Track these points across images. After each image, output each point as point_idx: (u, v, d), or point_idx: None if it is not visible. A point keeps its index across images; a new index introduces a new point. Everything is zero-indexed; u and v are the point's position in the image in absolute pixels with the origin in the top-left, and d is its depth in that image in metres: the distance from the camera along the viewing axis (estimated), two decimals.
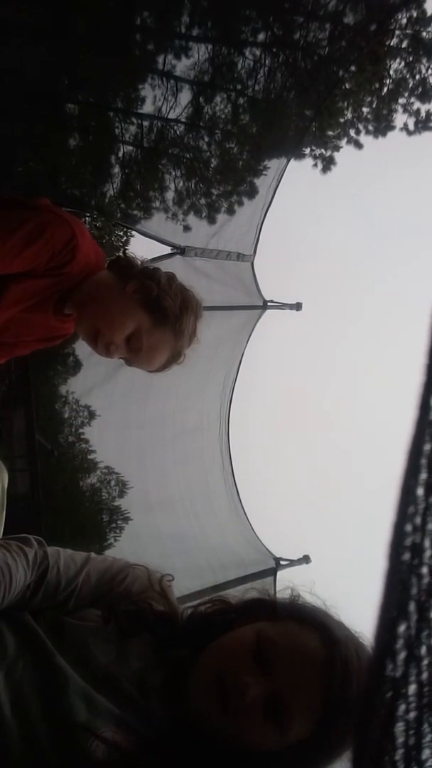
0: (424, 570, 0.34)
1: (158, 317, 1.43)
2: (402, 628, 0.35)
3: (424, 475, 0.34)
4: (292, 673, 0.83)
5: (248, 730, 0.83)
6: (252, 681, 0.83)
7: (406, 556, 0.34)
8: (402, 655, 0.35)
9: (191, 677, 0.89)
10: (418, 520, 0.34)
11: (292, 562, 4.83)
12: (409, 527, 0.34)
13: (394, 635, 0.35)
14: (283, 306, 5.11)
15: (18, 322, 1.49)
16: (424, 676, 0.35)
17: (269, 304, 5.07)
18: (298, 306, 5.12)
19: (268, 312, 5.09)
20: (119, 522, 7.10)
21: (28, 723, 0.81)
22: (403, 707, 0.35)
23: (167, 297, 1.44)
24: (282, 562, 4.86)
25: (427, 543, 0.34)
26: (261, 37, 4.09)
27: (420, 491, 0.34)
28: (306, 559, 4.81)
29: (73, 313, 1.52)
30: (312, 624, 0.89)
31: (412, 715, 0.35)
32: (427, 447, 0.34)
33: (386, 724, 0.35)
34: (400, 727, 0.35)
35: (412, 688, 0.35)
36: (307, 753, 0.84)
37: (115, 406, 5.25)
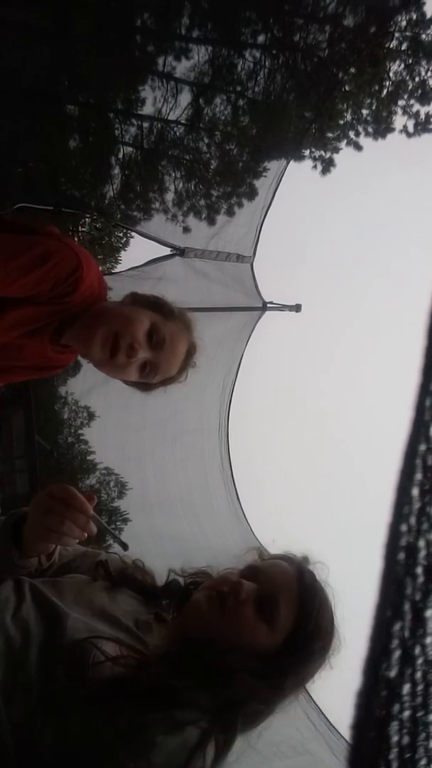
0: (419, 570, 0.35)
1: (165, 312, 1.49)
2: (397, 627, 0.35)
3: (418, 476, 0.34)
4: (273, 578, 1.11)
5: (243, 626, 1.03)
6: (244, 581, 1.08)
7: (401, 556, 0.34)
8: (397, 655, 0.35)
9: (186, 604, 1.11)
10: (412, 520, 0.34)
11: None
12: (404, 527, 0.34)
13: (389, 635, 0.35)
14: (282, 307, 5.11)
15: (13, 346, 1.49)
16: (419, 675, 0.35)
17: (269, 305, 5.06)
18: (297, 307, 5.12)
19: (267, 313, 5.08)
20: (118, 523, 7.09)
21: (31, 645, 0.91)
22: (397, 706, 0.35)
23: (162, 299, 1.53)
24: None
25: (421, 543, 0.35)
26: (261, 38, 4.09)
27: (415, 491, 0.34)
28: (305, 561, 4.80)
29: (70, 345, 1.52)
30: (281, 557, 1.20)
31: (406, 714, 0.35)
32: (421, 447, 0.34)
33: (381, 724, 0.35)
34: (394, 726, 0.35)
35: (407, 688, 0.35)
36: (291, 649, 1.04)
37: (115, 407, 5.24)
